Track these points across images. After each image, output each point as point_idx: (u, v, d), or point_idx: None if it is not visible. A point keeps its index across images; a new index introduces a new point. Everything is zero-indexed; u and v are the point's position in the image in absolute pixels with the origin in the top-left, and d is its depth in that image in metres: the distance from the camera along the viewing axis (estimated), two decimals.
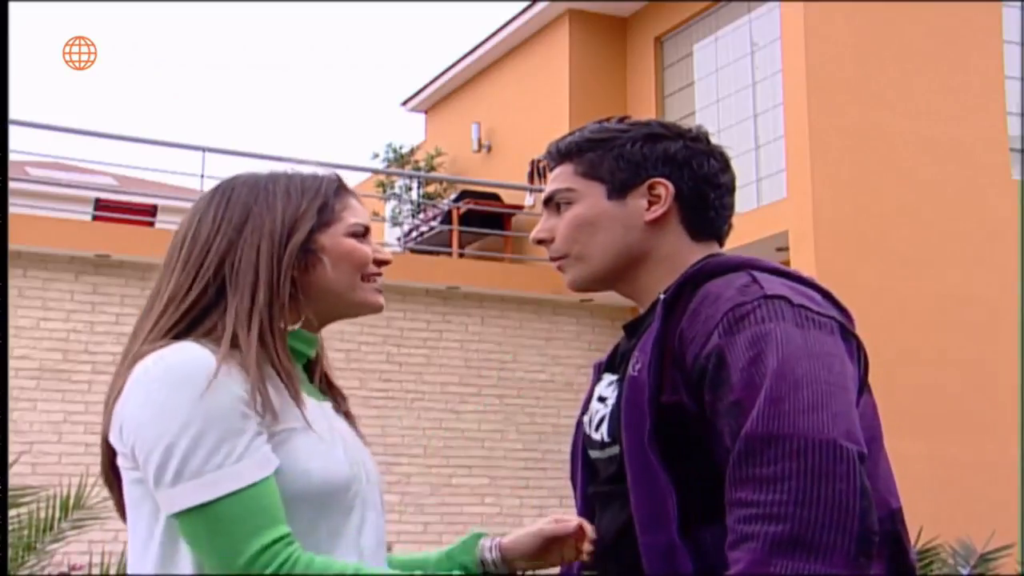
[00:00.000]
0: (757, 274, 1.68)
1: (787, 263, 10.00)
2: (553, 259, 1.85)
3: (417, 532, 9.73)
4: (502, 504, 9.93)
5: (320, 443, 1.64)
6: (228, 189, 1.73)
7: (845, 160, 10.01)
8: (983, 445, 9.69)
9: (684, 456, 1.61)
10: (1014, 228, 10.17)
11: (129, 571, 1.64)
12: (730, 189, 1.83)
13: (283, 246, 1.67)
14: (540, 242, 1.85)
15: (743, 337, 1.57)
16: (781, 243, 10.12)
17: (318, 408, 1.71)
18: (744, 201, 10.74)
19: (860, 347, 1.71)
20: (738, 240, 12.23)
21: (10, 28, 2.46)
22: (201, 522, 1.51)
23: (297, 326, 1.71)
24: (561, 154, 1.84)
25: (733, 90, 11.46)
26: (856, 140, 10.08)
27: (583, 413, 1.86)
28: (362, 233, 1.75)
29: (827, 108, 10.04)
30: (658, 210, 1.77)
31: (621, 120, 1.84)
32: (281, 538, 1.52)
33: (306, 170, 1.79)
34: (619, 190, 1.78)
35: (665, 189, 1.77)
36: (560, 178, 1.83)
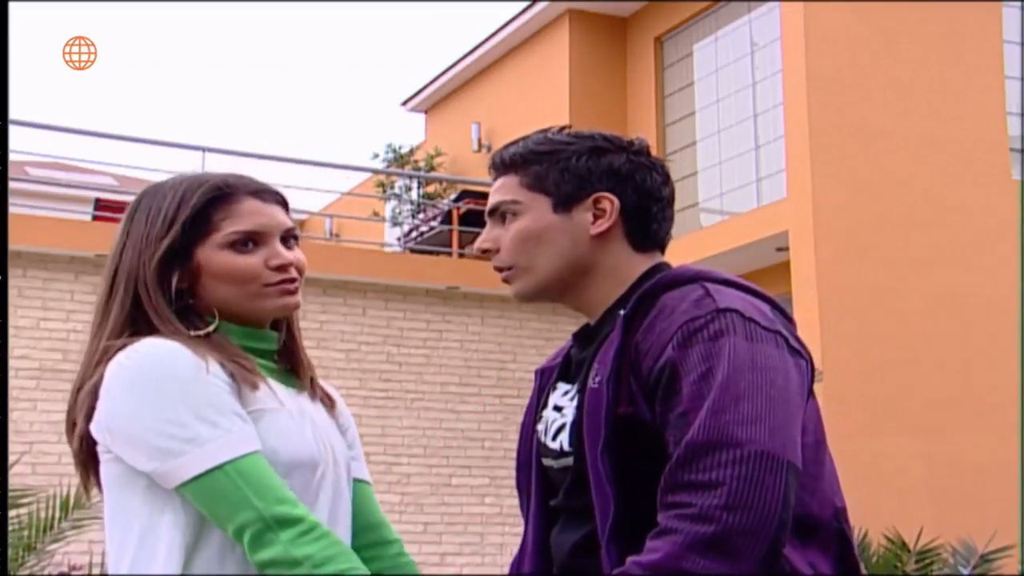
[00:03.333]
0: (710, 286, 1.72)
1: (787, 263, 10.02)
2: (497, 269, 1.86)
3: (417, 532, 9.72)
4: (502, 504, 9.92)
5: (290, 422, 1.70)
6: (136, 202, 1.78)
7: (845, 160, 10.00)
8: (983, 445, 9.69)
9: (641, 467, 1.66)
10: (1014, 228, 10.18)
11: (113, 551, 1.66)
12: (671, 201, 1.86)
13: (150, 262, 1.71)
14: (484, 251, 1.86)
15: (696, 351, 1.63)
16: (781, 243, 10.12)
17: (286, 393, 1.76)
18: (744, 201, 10.74)
19: (807, 359, 1.76)
20: (738, 240, 12.18)
21: (10, 28, 2.46)
22: (237, 474, 1.57)
23: (211, 329, 1.72)
24: (506, 164, 1.86)
25: (733, 90, 11.45)
26: (856, 140, 10.08)
27: (535, 421, 1.89)
28: (242, 241, 1.73)
29: (827, 108, 10.04)
30: (604, 224, 1.80)
31: (563, 130, 1.87)
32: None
33: (207, 175, 1.77)
34: (565, 203, 1.80)
35: (610, 203, 1.79)
36: (505, 189, 1.85)
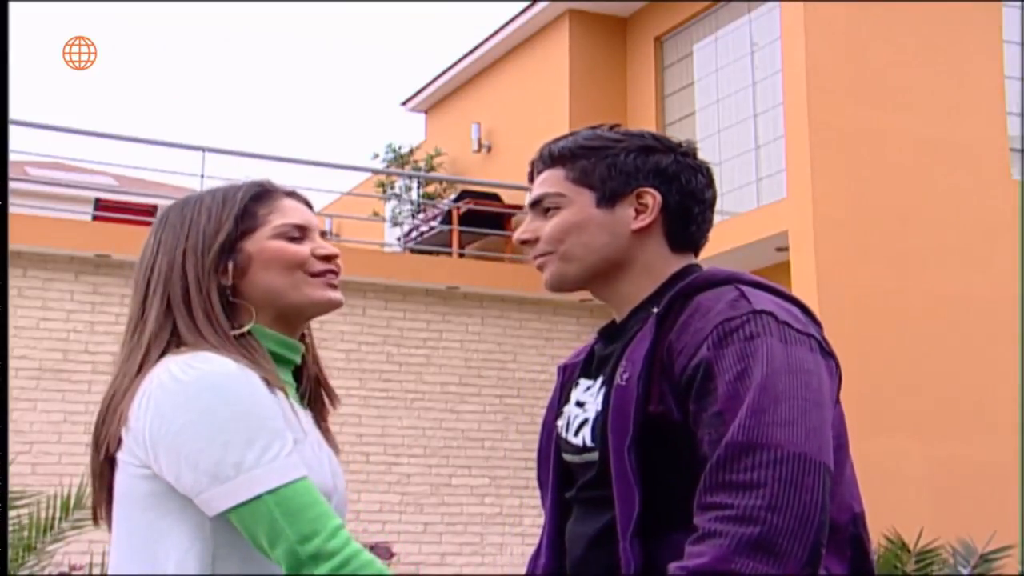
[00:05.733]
0: (745, 288, 1.74)
1: (787, 263, 10.01)
2: (535, 257, 1.87)
3: (417, 532, 9.72)
4: (502, 504, 9.92)
5: (313, 452, 1.69)
6: (165, 215, 1.79)
7: (845, 160, 10.00)
8: (983, 445, 9.68)
9: (666, 464, 1.67)
10: (1014, 228, 10.17)
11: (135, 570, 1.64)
12: (712, 204, 1.89)
13: (204, 258, 1.71)
14: (524, 243, 1.88)
15: (731, 351, 1.64)
16: (781, 243, 10.11)
17: (305, 416, 1.75)
18: (744, 201, 10.74)
19: (837, 362, 1.78)
20: (738, 240, 12.17)
21: (10, 28, 2.46)
22: (276, 505, 1.55)
23: (247, 328, 1.72)
24: (554, 158, 1.87)
25: (733, 90, 11.45)
26: (856, 140, 10.07)
27: (556, 417, 1.90)
28: (292, 234, 1.77)
29: (827, 108, 10.03)
30: (645, 219, 1.81)
31: (613, 128, 1.88)
32: (343, 525, 1.60)
33: (239, 182, 1.82)
34: (608, 198, 1.82)
35: (653, 199, 1.81)
36: (550, 182, 1.86)
